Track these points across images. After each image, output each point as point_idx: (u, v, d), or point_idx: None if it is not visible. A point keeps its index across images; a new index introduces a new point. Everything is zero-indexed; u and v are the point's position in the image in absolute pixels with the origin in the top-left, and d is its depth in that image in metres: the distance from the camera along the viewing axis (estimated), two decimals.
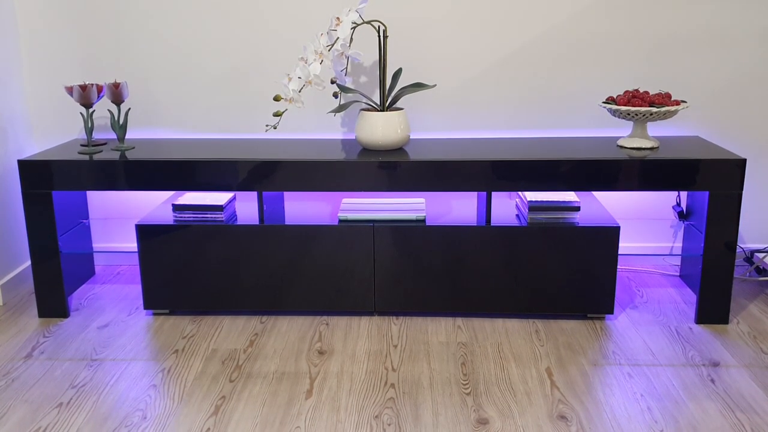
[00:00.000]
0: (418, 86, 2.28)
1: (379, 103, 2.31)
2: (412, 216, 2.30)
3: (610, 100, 2.29)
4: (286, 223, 2.28)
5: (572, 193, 2.35)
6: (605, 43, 2.50)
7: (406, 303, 2.31)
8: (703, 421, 1.75)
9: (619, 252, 2.23)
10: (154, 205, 2.65)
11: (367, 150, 2.31)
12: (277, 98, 2.13)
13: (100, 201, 2.72)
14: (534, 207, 2.27)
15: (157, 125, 2.64)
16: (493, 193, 2.33)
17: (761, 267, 2.60)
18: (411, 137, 2.52)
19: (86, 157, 2.27)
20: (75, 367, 2.05)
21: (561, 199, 2.28)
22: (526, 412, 1.79)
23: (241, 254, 2.28)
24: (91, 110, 2.33)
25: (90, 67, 2.59)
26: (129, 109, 2.46)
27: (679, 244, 2.56)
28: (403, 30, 2.49)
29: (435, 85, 2.28)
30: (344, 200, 2.45)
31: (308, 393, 1.90)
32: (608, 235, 2.20)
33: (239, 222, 2.31)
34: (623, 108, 2.21)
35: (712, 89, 2.53)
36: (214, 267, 2.30)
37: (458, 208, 2.45)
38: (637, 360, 2.04)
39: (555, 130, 2.58)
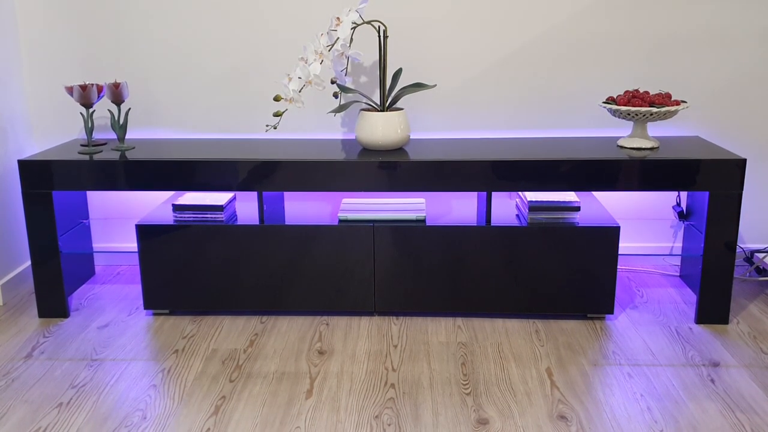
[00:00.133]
0: (418, 86, 2.28)
1: (379, 103, 2.31)
2: (412, 216, 2.30)
3: (610, 100, 2.29)
4: (286, 223, 2.28)
5: (572, 193, 2.35)
6: (605, 43, 2.50)
7: (406, 303, 2.31)
8: (703, 421, 1.75)
9: (619, 252, 2.23)
10: (154, 205, 2.65)
11: (367, 150, 2.31)
12: (277, 98, 2.13)
13: (100, 201, 2.72)
14: (534, 207, 2.27)
15: (157, 125, 2.64)
16: (493, 193, 2.33)
17: (761, 267, 2.60)
18: (411, 137, 2.52)
19: (86, 157, 2.27)
20: (75, 367, 2.05)
21: (561, 199, 2.28)
22: (526, 412, 1.79)
23: (241, 254, 2.28)
24: (91, 110, 2.33)
25: (90, 67, 2.59)
26: (129, 109, 2.46)
27: (679, 244, 2.56)
28: (403, 30, 2.49)
29: (435, 85, 2.28)
30: (344, 200, 2.45)
31: (308, 393, 1.90)
32: (608, 235, 2.20)
33: (239, 222, 2.31)
34: (623, 108, 2.21)
35: (712, 89, 2.53)
36: (214, 267, 2.30)
37: (458, 208, 2.45)
38: (637, 360, 2.04)
39: (555, 130, 2.58)
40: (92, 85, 2.29)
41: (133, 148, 2.40)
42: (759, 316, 2.31)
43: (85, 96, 2.27)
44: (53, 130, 2.66)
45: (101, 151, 2.35)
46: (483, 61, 2.53)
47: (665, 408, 1.80)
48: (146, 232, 2.29)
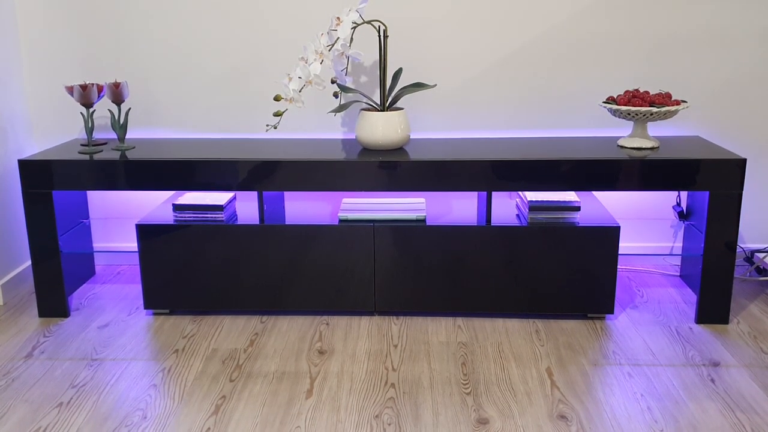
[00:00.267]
0: (418, 86, 2.28)
1: (379, 103, 2.31)
2: (412, 216, 2.30)
3: (610, 100, 2.29)
4: (286, 223, 2.28)
5: (572, 193, 2.35)
6: (605, 43, 2.50)
7: (406, 303, 2.31)
8: (703, 421, 1.75)
9: (619, 252, 2.23)
10: (154, 205, 2.65)
11: (367, 150, 2.31)
12: (277, 98, 2.13)
13: (101, 201, 2.72)
14: (534, 207, 2.27)
15: (157, 125, 2.64)
16: (493, 193, 2.33)
17: (761, 267, 2.60)
18: (411, 137, 2.52)
19: (86, 157, 2.27)
20: (75, 367, 2.05)
21: (561, 199, 2.28)
22: (526, 412, 1.79)
23: (242, 254, 2.28)
24: (91, 110, 2.33)
25: (90, 67, 2.59)
26: (129, 109, 2.46)
27: (679, 244, 2.56)
28: (403, 30, 2.49)
29: (435, 85, 2.28)
30: (344, 200, 2.45)
31: (308, 393, 1.90)
32: (608, 235, 2.20)
33: (239, 222, 2.31)
34: (623, 108, 2.21)
35: (712, 89, 2.53)
36: (214, 267, 2.30)
37: (458, 208, 2.45)
38: (637, 360, 2.04)
39: (555, 130, 2.58)
40: (92, 84, 2.29)
41: (133, 148, 2.40)
42: (759, 316, 2.31)
43: (85, 96, 2.27)
44: (53, 130, 2.66)
45: (101, 151, 2.35)
46: (483, 61, 2.53)
47: (665, 408, 1.80)
48: (146, 232, 2.29)
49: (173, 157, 2.26)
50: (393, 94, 2.30)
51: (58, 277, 2.33)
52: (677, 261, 2.68)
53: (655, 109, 2.17)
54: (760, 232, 2.67)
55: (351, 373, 1.99)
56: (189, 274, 2.31)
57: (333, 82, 2.26)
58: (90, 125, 2.33)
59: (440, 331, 2.23)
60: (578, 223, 2.24)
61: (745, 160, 2.12)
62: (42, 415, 1.81)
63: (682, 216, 2.53)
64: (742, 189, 2.14)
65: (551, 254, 2.23)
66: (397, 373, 1.99)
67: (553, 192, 2.33)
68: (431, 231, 2.24)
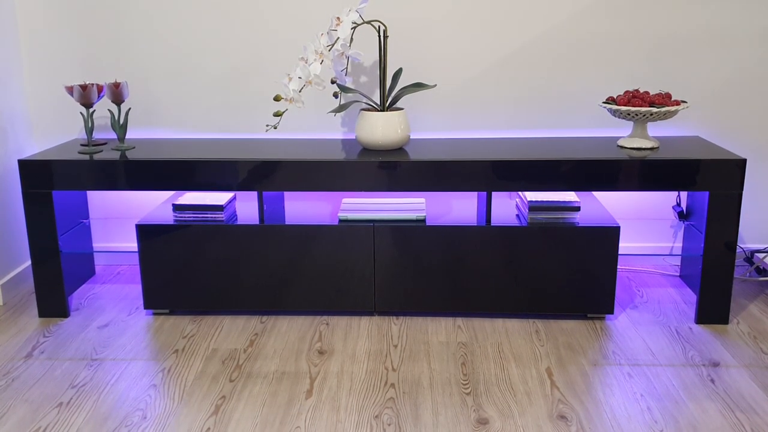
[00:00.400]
0: (418, 86, 2.28)
1: (379, 103, 2.31)
2: (412, 216, 2.30)
3: (610, 100, 2.29)
4: (286, 223, 2.28)
5: (572, 193, 2.35)
6: (605, 43, 2.50)
7: (406, 303, 2.31)
8: (703, 421, 1.75)
9: (619, 252, 2.23)
10: (154, 205, 2.65)
11: (367, 150, 2.31)
12: (277, 98, 2.13)
13: (100, 201, 2.72)
14: (534, 207, 2.27)
15: (157, 125, 2.64)
16: (493, 193, 2.33)
17: (761, 267, 2.60)
18: (411, 137, 2.52)
19: (86, 157, 2.27)
20: (75, 367, 2.05)
21: (561, 199, 2.28)
22: (526, 412, 1.79)
23: (241, 254, 2.28)
24: (91, 110, 2.33)
25: (90, 67, 2.59)
26: (129, 109, 2.46)
27: (679, 244, 2.56)
28: (403, 30, 2.49)
29: (435, 85, 2.28)
30: (344, 200, 2.45)
31: (308, 393, 1.90)
32: (608, 235, 2.20)
33: (239, 222, 2.31)
34: (623, 108, 2.21)
35: (712, 89, 2.53)
36: (214, 267, 2.30)
37: (458, 208, 2.45)
38: (637, 360, 2.04)
39: (555, 130, 2.58)
40: (92, 84, 2.29)
41: (133, 147, 2.40)
42: (759, 316, 2.31)
43: (85, 96, 2.27)
44: (53, 130, 2.66)
45: (101, 151, 2.35)
46: (483, 61, 2.53)
47: (665, 408, 1.80)
48: (146, 232, 2.29)
49: (173, 157, 2.26)
50: (393, 94, 2.30)
51: (58, 277, 2.33)
52: (677, 261, 2.68)
53: (654, 110, 2.17)
54: (760, 232, 2.67)
55: (351, 373, 1.99)
56: (189, 274, 2.31)
57: (333, 82, 2.26)
58: (90, 125, 2.33)
59: (440, 331, 2.23)
60: (578, 223, 2.24)
61: (745, 161, 2.12)
62: (42, 415, 1.81)
63: (682, 216, 2.53)
64: (741, 189, 2.14)
65: (551, 254, 2.23)
66: (397, 373, 1.99)
67: (552, 192, 2.33)
68: (431, 231, 2.24)
